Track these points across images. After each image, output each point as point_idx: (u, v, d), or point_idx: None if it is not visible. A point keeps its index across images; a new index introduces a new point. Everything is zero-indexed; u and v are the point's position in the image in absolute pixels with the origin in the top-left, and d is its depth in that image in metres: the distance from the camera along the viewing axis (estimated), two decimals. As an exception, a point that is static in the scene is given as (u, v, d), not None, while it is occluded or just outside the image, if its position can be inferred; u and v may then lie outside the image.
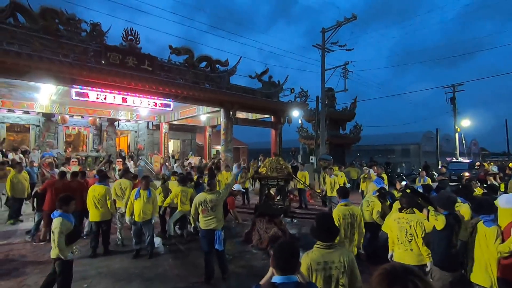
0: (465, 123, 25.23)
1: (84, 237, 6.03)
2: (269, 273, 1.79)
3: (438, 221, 3.07)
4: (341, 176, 10.63)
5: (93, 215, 5.44)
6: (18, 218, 7.43)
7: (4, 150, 11.01)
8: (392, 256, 3.54)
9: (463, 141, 25.44)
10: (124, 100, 10.55)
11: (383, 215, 5.11)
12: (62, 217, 3.42)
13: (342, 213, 3.68)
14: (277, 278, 1.63)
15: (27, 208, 8.32)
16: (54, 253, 3.40)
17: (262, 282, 1.78)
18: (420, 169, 11.86)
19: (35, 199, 6.50)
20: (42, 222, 6.11)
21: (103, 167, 9.05)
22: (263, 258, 5.31)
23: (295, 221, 7.72)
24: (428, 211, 3.23)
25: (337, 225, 3.16)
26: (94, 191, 5.46)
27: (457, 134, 24.13)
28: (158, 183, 7.63)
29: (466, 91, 23.46)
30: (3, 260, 5.02)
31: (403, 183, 5.68)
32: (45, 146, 13.77)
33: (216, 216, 4.35)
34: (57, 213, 3.48)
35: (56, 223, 3.39)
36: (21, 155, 10.56)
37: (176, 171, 8.97)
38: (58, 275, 3.46)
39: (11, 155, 10.37)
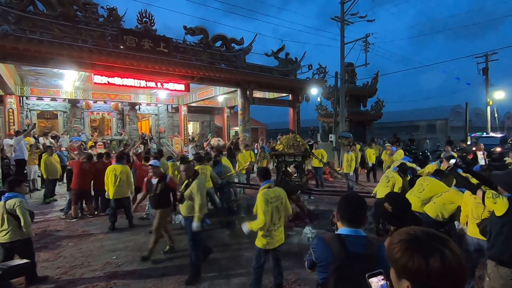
0: (498, 95, 23.50)
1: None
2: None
3: (498, 205, 2.56)
4: (373, 153, 10.37)
5: (113, 192, 5.81)
6: (52, 197, 8.03)
7: (36, 135, 11.71)
8: (462, 229, 3.38)
9: (496, 115, 23.82)
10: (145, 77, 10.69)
11: (403, 190, 4.99)
12: (19, 197, 3.55)
13: (268, 196, 3.14)
14: (343, 230, 1.59)
15: (60, 188, 8.95)
16: (28, 232, 3.56)
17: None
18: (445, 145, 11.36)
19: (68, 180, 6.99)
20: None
21: (138, 149, 9.59)
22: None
23: (312, 198, 7.73)
24: (484, 192, 2.71)
25: (264, 211, 3.06)
26: (115, 170, 5.87)
27: (489, 108, 22.62)
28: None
29: (499, 60, 21.69)
30: (41, 235, 5.48)
31: (452, 161, 4.97)
32: (73, 131, 14.50)
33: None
34: (13, 194, 3.52)
35: (17, 203, 3.48)
36: (52, 140, 11.20)
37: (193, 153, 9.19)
38: (24, 254, 3.59)
39: (42, 140, 11.02)
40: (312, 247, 1.63)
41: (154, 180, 4.62)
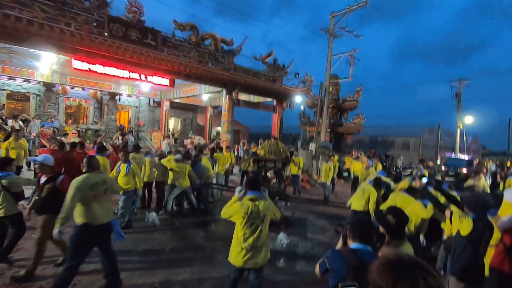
0: (468, 119, 25.08)
1: None
2: (339, 244, 2.06)
3: (463, 224, 2.68)
4: (361, 166, 9.79)
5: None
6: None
7: (4, 117, 10.98)
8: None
9: (464, 138, 25.36)
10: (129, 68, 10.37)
11: (377, 203, 5.16)
12: (12, 176, 3.81)
13: (244, 210, 2.74)
14: (355, 245, 1.88)
15: (27, 175, 8.42)
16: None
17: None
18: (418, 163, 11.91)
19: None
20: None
21: (116, 141, 9.21)
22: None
23: (289, 204, 7.81)
24: (451, 212, 2.87)
25: (227, 212, 2.81)
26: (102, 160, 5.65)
27: (458, 130, 24.04)
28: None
29: (471, 87, 23.17)
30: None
31: (424, 180, 5.26)
32: (46, 116, 13.74)
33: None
34: (5, 173, 3.77)
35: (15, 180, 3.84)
36: (21, 123, 10.56)
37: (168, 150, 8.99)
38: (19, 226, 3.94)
39: (10, 122, 10.36)
40: (326, 257, 1.89)
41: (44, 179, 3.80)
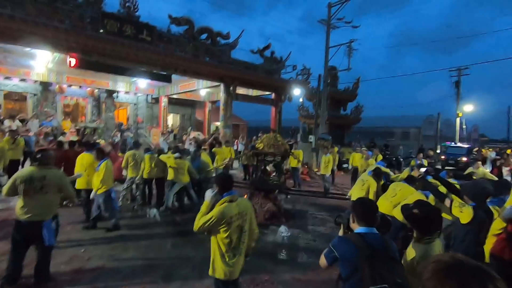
0: (467, 108, 25.02)
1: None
2: (340, 232, 2.06)
3: (464, 214, 2.68)
4: (361, 158, 9.45)
5: (81, 183, 5.42)
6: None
7: (1, 117, 10.93)
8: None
9: (464, 126, 25.36)
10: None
11: (377, 194, 5.17)
12: None
13: (227, 213, 2.38)
14: (361, 229, 1.85)
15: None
16: None
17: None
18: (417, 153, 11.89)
19: None
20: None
21: (115, 138, 9.15)
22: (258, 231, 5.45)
23: (289, 197, 7.83)
24: (451, 201, 2.86)
25: (205, 223, 2.39)
26: (82, 159, 5.45)
27: (458, 119, 24.00)
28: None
29: (470, 75, 23.06)
30: (2, 224, 5.13)
31: (422, 169, 5.22)
32: (44, 115, 13.68)
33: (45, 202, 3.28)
34: None
35: None
36: (19, 123, 10.51)
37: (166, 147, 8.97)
38: None
39: (7, 122, 10.31)
40: (333, 246, 1.84)
41: None
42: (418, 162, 8.79)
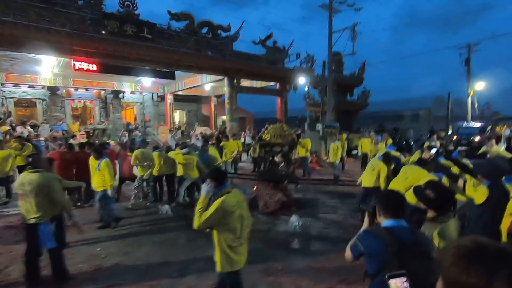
0: (479, 86, 24.23)
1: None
2: (365, 223, 1.90)
3: (478, 193, 2.60)
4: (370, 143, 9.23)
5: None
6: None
7: (13, 124, 11.20)
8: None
9: (476, 105, 24.64)
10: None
11: (388, 179, 5.09)
12: None
13: (228, 204, 2.40)
14: (388, 222, 1.71)
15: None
16: None
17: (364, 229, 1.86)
18: (429, 135, 11.64)
19: None
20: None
21: (124, 138, 9.28)
22: (268, 222, 5.48)
23: (299, 186, 7.82)
24: (465, 181, 2.79)
25: (208, 218, 2.36)
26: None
27: (469, 98, 23.33)
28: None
29: (480, 51, 22.27)
30: (20, 227, 5.29)
31: (433, 151, 5.08)
32: (54, 120, 13.96)
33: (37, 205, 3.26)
34: None
35: None
36: (30, 129, 10.75)
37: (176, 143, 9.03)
38: None
39: (19, 129, 10.56)
40: (358, 240, 1.72)
41: None
42: (432, 143, 8.62)
